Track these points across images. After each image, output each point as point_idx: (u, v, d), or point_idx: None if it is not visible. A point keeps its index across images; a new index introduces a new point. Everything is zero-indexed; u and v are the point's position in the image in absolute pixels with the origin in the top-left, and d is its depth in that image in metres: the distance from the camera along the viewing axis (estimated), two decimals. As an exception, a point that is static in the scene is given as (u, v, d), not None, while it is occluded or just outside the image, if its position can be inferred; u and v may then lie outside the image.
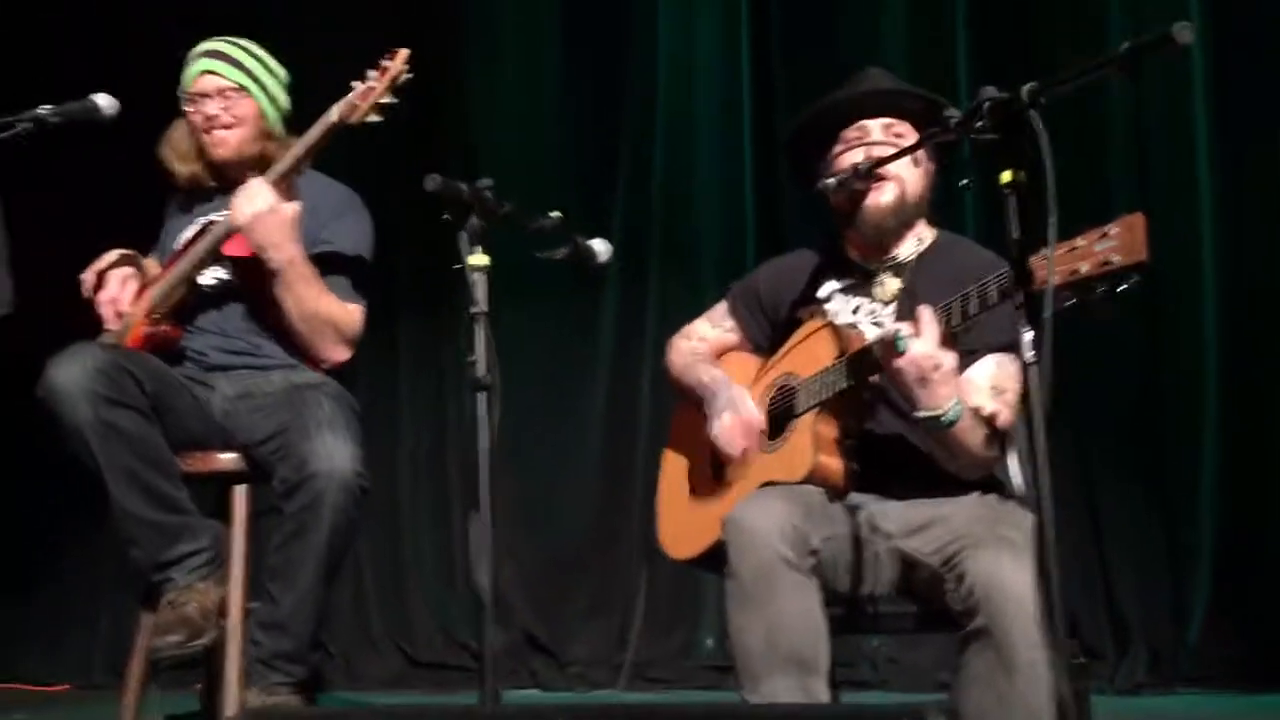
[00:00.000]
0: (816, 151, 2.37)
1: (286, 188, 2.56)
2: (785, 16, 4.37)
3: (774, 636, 2.00)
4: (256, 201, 2.51)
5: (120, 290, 2.70)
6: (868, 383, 2.18)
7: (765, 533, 2.01)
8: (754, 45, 4.40)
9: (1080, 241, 1.73)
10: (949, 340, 2.01)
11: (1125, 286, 1.73)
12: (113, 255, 2.76)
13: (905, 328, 2.00)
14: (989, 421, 2.11)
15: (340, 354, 2.67)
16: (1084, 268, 1.72)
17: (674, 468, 2.48)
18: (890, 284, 2.31)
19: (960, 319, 2.00)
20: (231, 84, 2.70)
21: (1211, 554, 3.74)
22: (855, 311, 2.33)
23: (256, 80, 2.74)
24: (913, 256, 2.32)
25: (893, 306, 2.29)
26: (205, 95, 2.69)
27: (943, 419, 2.02)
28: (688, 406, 2.45)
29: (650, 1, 4.53)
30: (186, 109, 2.73)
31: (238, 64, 2.73)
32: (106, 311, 2.71)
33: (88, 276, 2.73)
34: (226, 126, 2.69)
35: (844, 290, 2.36)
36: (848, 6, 4.31)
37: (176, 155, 2.75)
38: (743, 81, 4.41)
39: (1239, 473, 3.75)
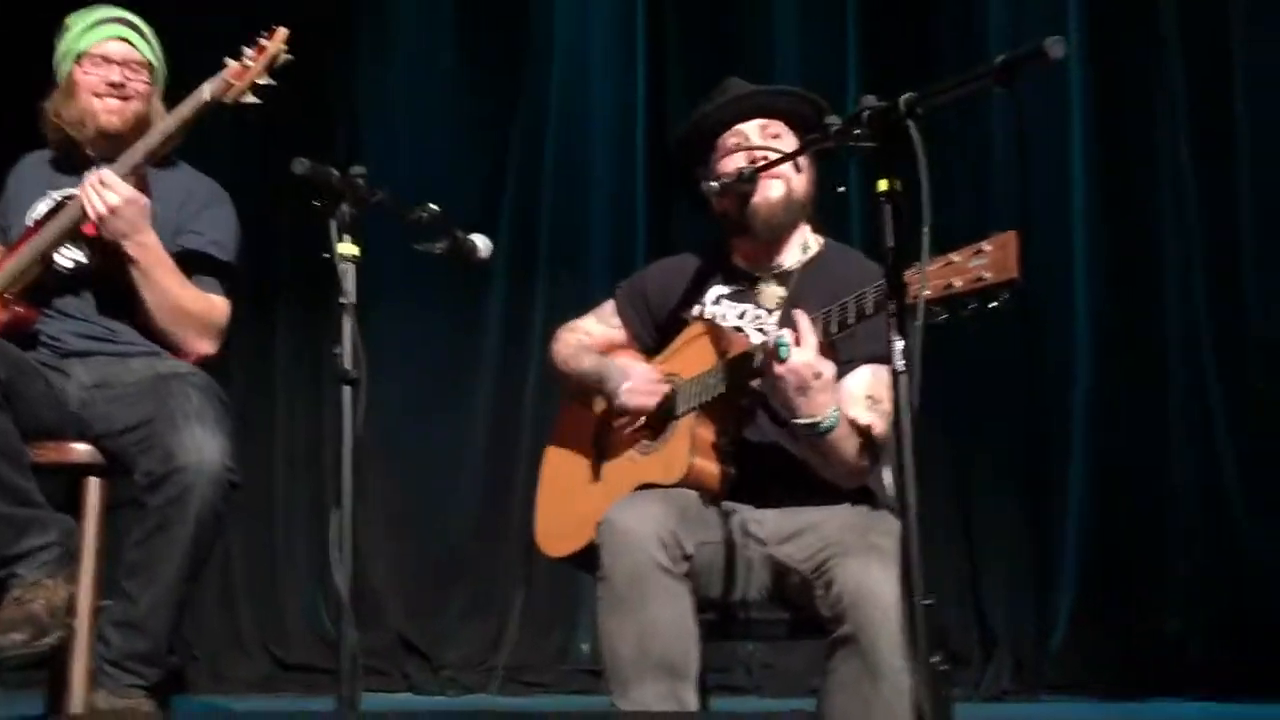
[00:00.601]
0: (700, 162, 2.37)
1: (140, 177, 2.48)
2: (681, 17, 4.38)
3: (645, 642, 1.98)
4: (111, 194, 2.42)
5: None
6: (747, 388, 2.18)
7: (640, 537, 2.00)
8: (649, 45, 4.41)
9: (955, 257, 1.75)
10: (828, 349, 2.02)
11: (996, 304, 1.74)
12: None
13: (787, 335, 2.01)
14: (864, 431, 2.12)
15: (205, 347, 2.58)
16: (957, 283, 1.74)
17: (555, 464, 2.46)
18: (773, 291, 2.32)
19: (837, 328, 2.01)
20: (141, 58, 2.63)
21: (1076, 564, 3.86)
22: (740, 317, 2.34)
23: (159, 60, 2.68)
24: (797, 265, 2.34)
25: (776, 314, 2.30)
26: (110, 60, 2.60)
27: (820, 427, 2.03)
28: (571, 402, 2.43)
29: (546, 6, 4.50)
30: (82, 66, 2.61)
31: (147, 40, 2.66)
32: None
33: None
34: (126, 98, 2.60)
35: (729, 296, 2.37)
36: (741, 8, 4.33)
37: (74, 116, 2.62)
38: (637, 81, 4.41)
39: (1105, 484, 3.87)
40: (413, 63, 4.64)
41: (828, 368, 2.01)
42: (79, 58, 2.61)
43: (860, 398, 2.15)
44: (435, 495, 4.41)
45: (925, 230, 1.57)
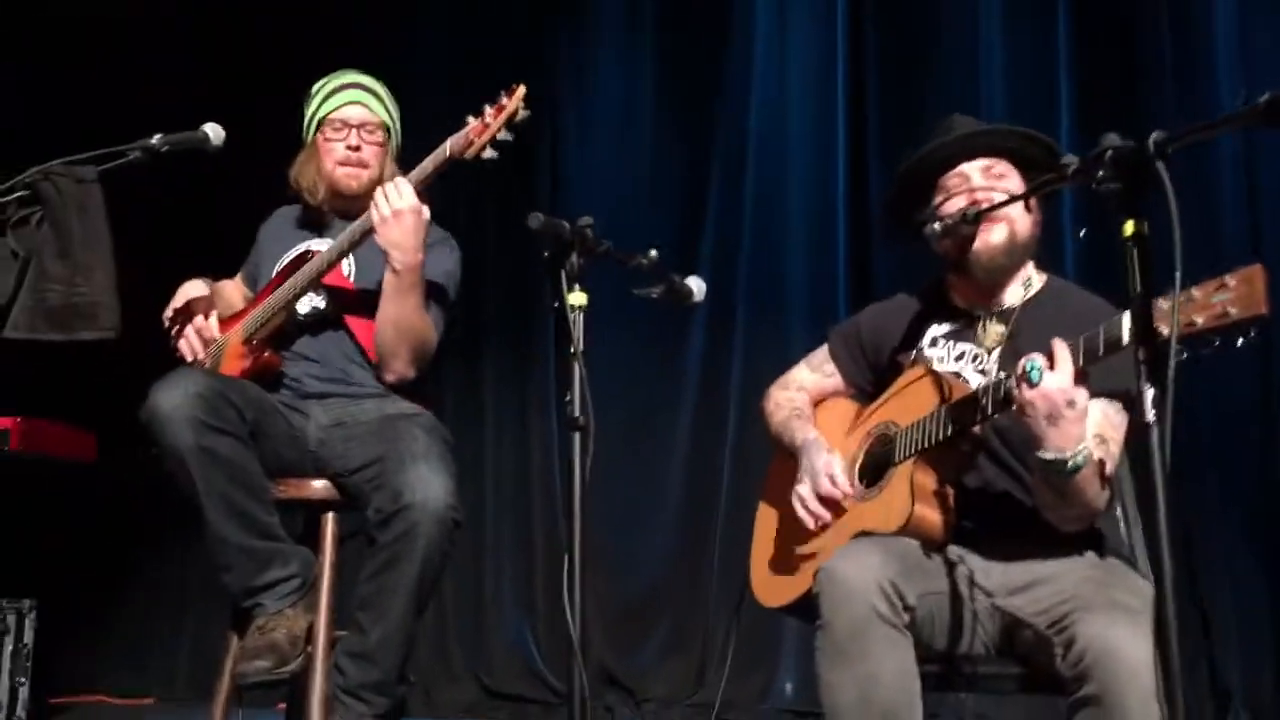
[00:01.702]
0: (915, 203, 2.32)
1: (424, 192, 2.57)
2: (881, 59, 4.34)
3: (867, 694, 1.94)
4: (399, 199, 2.52)
5: (205, 320, 2.76)
6: (969, 433, 2.12)
7: (861, 586, 1.96)
8: (849, 87, 4.38)
9: (1196, 293, 1.66)
10: (1082, 377, 1.91)
11: (1242, 340, 1.65)
12: (189, 288, 2.83)
13: (1039, 358, 1.91)
14: (1103, 472, 2.03)
15: (410, 372, 2.67)
16: (1200, 320, 1.65)
17: (769, 514, 2.44)
18: (994, 329, 2.26)
19: (1086, 359, 1.90)
20: (376, 119, 2.77)
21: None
22: (959, 358, 2.28)
23: (393, 120, 2.82)
24: (1018, 302, 2.27)
25: (996, 352, 2.24)
26: (349, 124, 2.75)
27: (1070, 463, 1.92)
28: (784, 455, 2.42)
29: (745, 44, 4.53)
30: (324, 132, 2.77)
31: (382, 101, 2.81)
32: (192, 343, 2.76)
33: (167, 313, 2.80)
34: (365, 163, 2.75)
35: (947, 335, 2.31)
36: (946, 45, 4.25)
37: (314, 176, 2.79)
38: (837, 124, 4.37)
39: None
40: (613, 106, 4.74)
41: (1082, 396, 1.89)
42: (320, 124, 2.78)
43: (1090, 435, 2.05)
44: (634, 533, 4.45)
45: (1177, 275, 1.50)
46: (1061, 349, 1.90)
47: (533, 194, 4.61)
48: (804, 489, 2.23)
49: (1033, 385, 1.90)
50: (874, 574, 1.97)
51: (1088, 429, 2.03)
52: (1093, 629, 1.87)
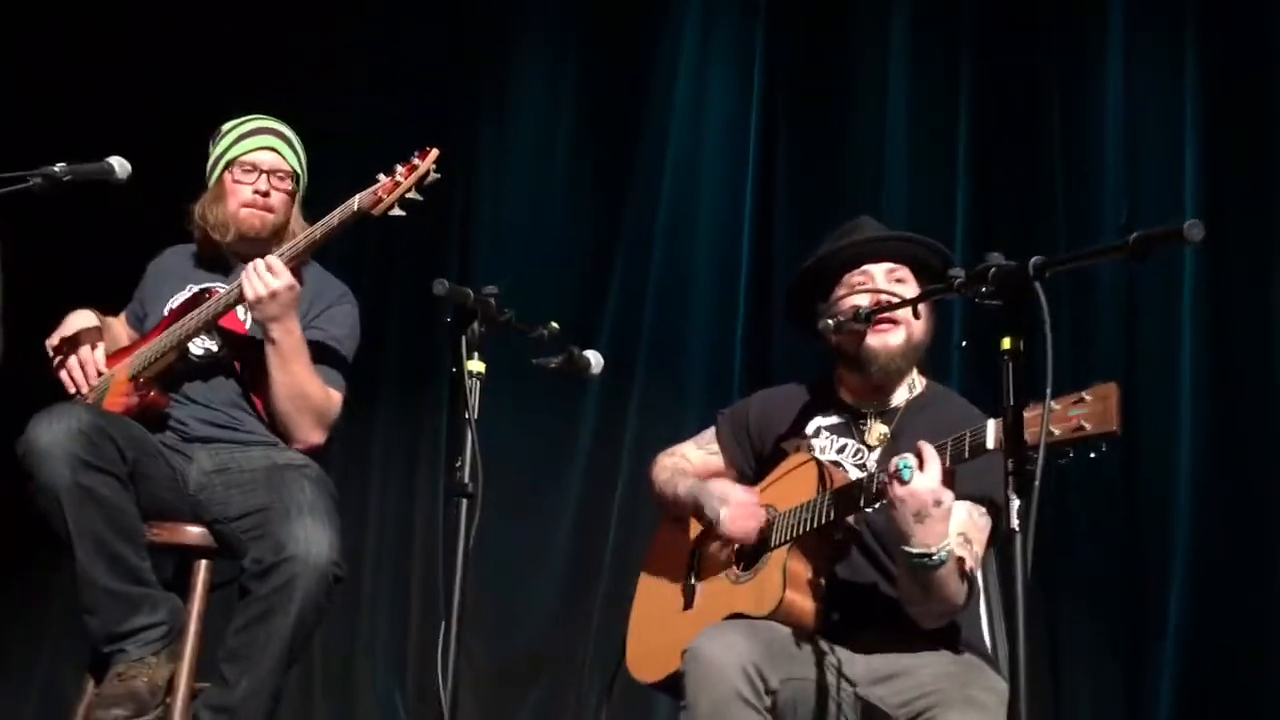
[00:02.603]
0: (816, 294, 2.41)
1: (295, 269, 2.58)
2: (791, 145, 4.47)
3: (728, 774, 1.97)
4: (273, 279, 2.52)
5: (92, 353, 2.71)
6: (843, 523, 2.19)
7: (724, 668, 2.00)
8: (759, 170, 4.48)
9: (1055, 405, 1.74)
10: (948, 478, 2.01)
11: (1094, 455, 1.74)
12: (76, 318, 2.77)
13: (912, 458, 2.00)
14: (963, 570, 2.11)
15: (317, 437, 2.67)
16: (1056, 431, 1.74)
17: (648, 588, 2.47)
18: (878, 429, 2.34)
19: (952, 460, 2.00)
20: (287, 168, 2.77)
21: (1171, 699, 3.70)
22: (840, 451, 2.35)
23: (302, 169, 2.82)
24: (902, 404, 2.36)
25: (878, 451, 2.31)
26: (259, 169, 2.74)
27: (932, 559, 2.00)
28: (668, 525, 2.46)
29: (661, 119, 4.62)
30: (232, 172, 2.76)
31: (293, 150, 2.81)
32: (76, 375, 2.70)
33: (53, 341, 2.75)
34: (271, 208, 2.74)
35: (831, 429, 2.39)
36: (853, 139, 4.41)
37: (216, 218, 2.76)
38: (745, 206, 4.47)
39: (1203, 646, 3.74)
40: (528, 169, 4.78)
41: (948, 497, 1.99)
42: (230, 164, 2.77)
43: (954, 535, 2.13)
44: (514, 599, 4.42)
45: (1048, 392, 1.59)
46: (930, 451, 2.00)
47: (441, 248, 4.61)
48: (724, 511, 2.26)
49: (904, 483, 1.98)
50: (737, 656, 2.01)
51: (951, 528, 2.11)
52: (947, 723, 1.93)
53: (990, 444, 1.93)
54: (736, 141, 4.53)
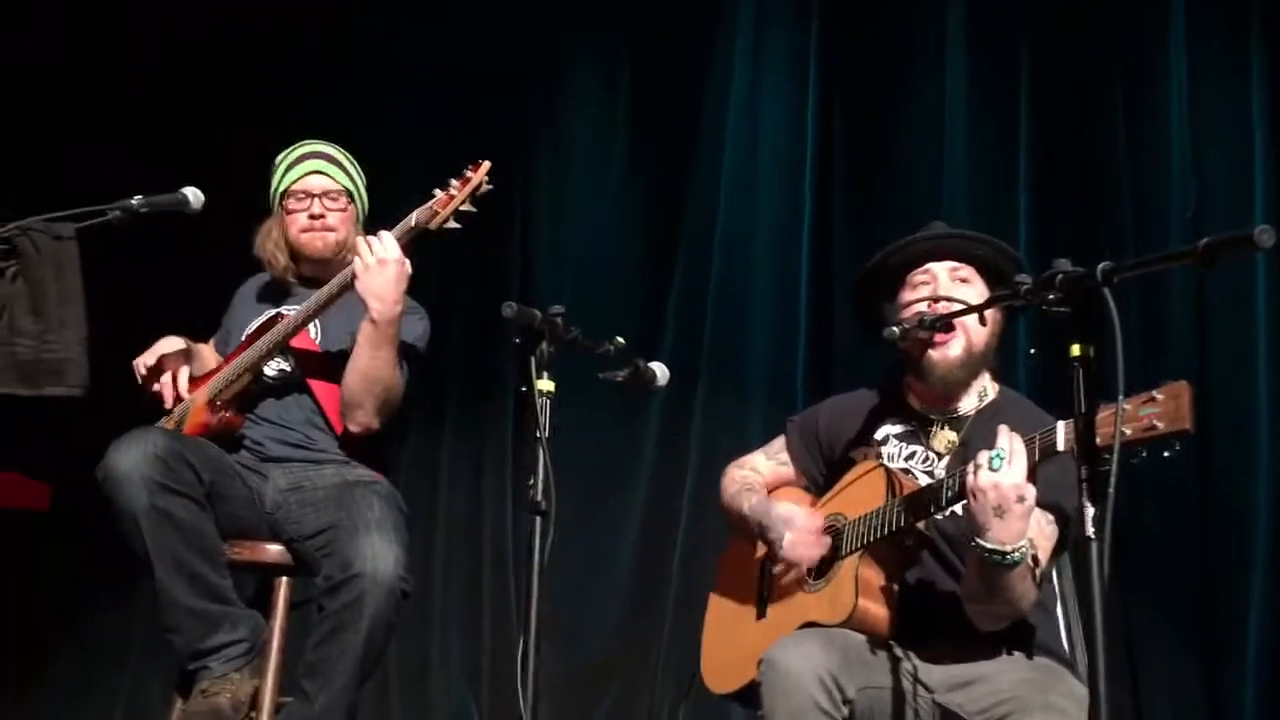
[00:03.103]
0: (881, 292, 2.40)
1: (407, 246, 2.60)
2: (848, 149, 4.45)
3: (807, 783, 1.97)
4: (383, 250, 2.55)
5: (176, 375, 2.78)
6: (914, 529, 2.18)
7: (800, 677, 2.00)
8: (816, 173, 4.46)
9: (1126, 405, 1.72)
10: (1031, 477, 1.96)
11: (1167, 454, 1.72)
12: (165, 343, 2.85)
13: (1002, 449, 1.95)
14: (1035, 574, 2.08)
15: (374, 422, 2.68)
16: (1128, 431, 1.72)
17: (720, 600, 2.48)
18: (946, 436, 2.32)
19: (1038, 457, 1.96)
20: (339, 187, 2.82)
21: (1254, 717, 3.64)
22: (909, 458, 2.34)
23: (357, 188, 2.86)
24: (972, 411, 2.33)
25: (946, 459, 2.30)
26: (310, 194, 2.79)
27: (1008, 557, 1.96)
28: (738, 538, 2.46)
29: (718, 126, 4.62)
30: (287, 204, 2.82)
31: (344, 169, 2.85)
32: (165, 393, 2.78)
33: (141, 362, 2.82)
34: (330, 229, 2.79)
35: (900, 436, 2.38)
36: (911, 139, 4.38)
37: (273, 247, 2.83)
38: (804, 208, 4.46)
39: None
40: (585, 180, 4.80)
41: (1031, 493, 1.94)
42: (284, 196, 2.82)
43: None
44: (583, 609, 4.44)
45: (1120, 398, 1.57)
46: (1019, 445, 1.95)
47: (502, 267, 4.66)
48: (787, 536, 2.26)
49: (993, 471, 1.94)
50: (814, 665, 2.01)
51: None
52: (1027, 731, 1.92)
53: (1060, 445, 1.91)
54: (793, 149, 4.51)
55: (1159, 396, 1.71)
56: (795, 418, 2.58)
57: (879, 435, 2.40)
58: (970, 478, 1.96)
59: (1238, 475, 3.75)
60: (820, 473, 2.48)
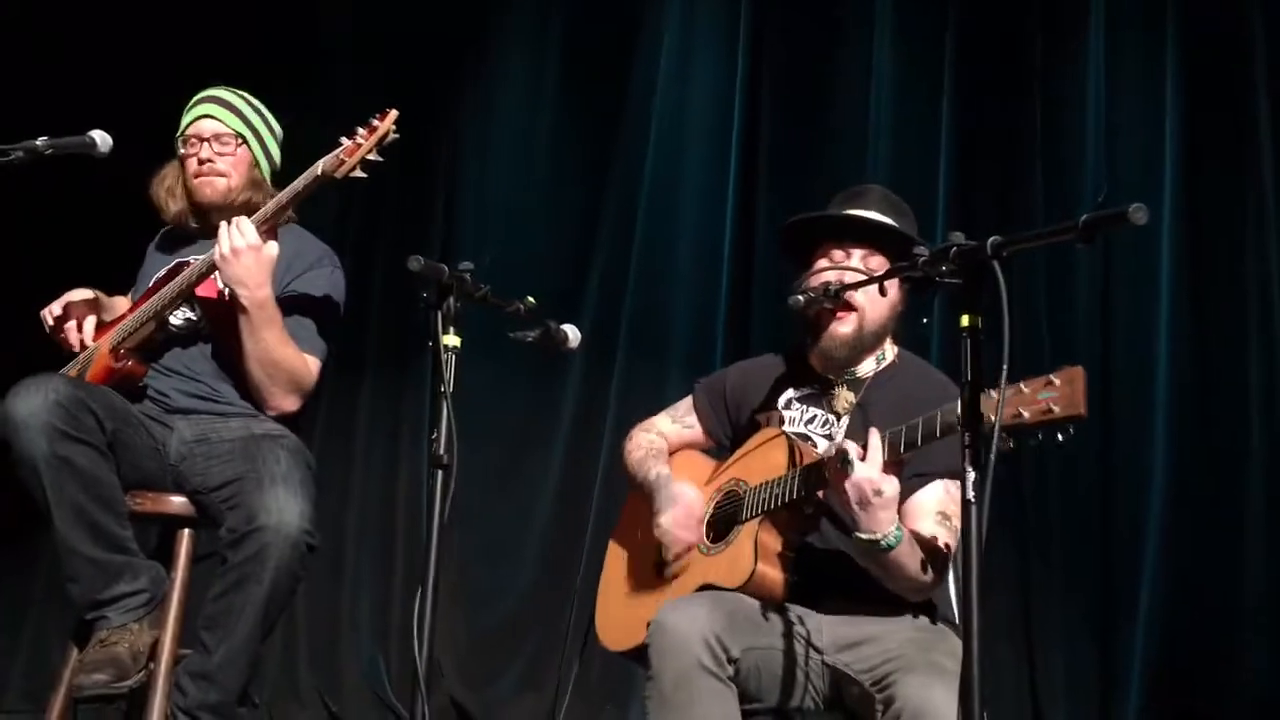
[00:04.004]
0: (802, 252, 2.42)
1: (267, 232, 2.58)
2: (774, 114, 4.48)
3: (691, 743, 2.01)
4: (240, 237, 2.53)
5: (82, 323, 2.74)
6: (814, 497, 2.22)
7: (687, 638, 2.05)
8: (743, 138, 4.50)
9: (1025, 388, 1.78)
10: (893, 467, 2.06)
11: (1061, 438, 1.78)
12: (74, 293, 2.80)
13: (853, 449, 2.04)
14: (930, 547, 2.15)
15: (290, 404, 2.67)
16: (1026, 414, 1.77)
17: (618, 557, 2.51)
18: (845, 397, 2.37)
19: (905, 447, 2.05)
20: (229, 130, 2.76)
21: (1142, 678, 3.78)
22: (810, 422, 2.38)
23: (254, 130, 2.80)
24: (870, 373, 2.38)
25: (845, 420, 2.35)
26: (201, 138, 2.74)
27: (879, 544, 2.05)
28: (639, 497, 2.49)
29: (644, 105, 4.62)
30: (181, 150, 2.77)
31: (237, 112, 2.79)
32: (70, 338, 2.73)
33: (48, 311, 2.78)
34: (219, 173, 2.74)
35: (801, 399, 2.42)
36: (838, 105, 4.42)
37: (165, 193, 2.79)
38: (729, 173, 4.50)
39: (1177, 601, 3.80)
40: (512, 141, 4.79)
41: (889, 486, 2.03)
42: (183, 141, 2.78)
43: (931, 512, 2.18)
44: (497, 567, 4.47)
45: (1005, 369, 1.62)
46: (874, 441, 2.04)
47: (426, 222, 4.63)
48: (665, 518, 2.32)
49: (844, 473, 2.03)
50: (700, 627, 2.06)
51: (930, 506, 2.18)
52: (910, 688, 1.98)
53: (939, 433, 1.99)
54: (721, 115, 4.54)
55: (1055, 381, 1.76)
56: (703, 380, 2.61)
57: (782, 400, 2.44)
58: (836, 479, 2.05)
59: (1136, 444, 3.88)
60: (727, 435, 2.51)
